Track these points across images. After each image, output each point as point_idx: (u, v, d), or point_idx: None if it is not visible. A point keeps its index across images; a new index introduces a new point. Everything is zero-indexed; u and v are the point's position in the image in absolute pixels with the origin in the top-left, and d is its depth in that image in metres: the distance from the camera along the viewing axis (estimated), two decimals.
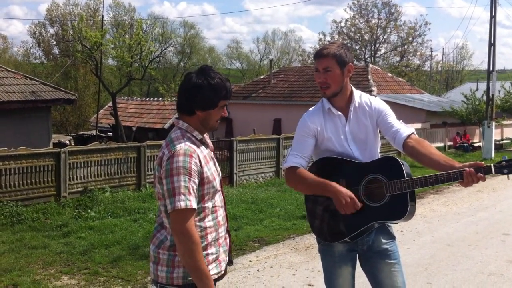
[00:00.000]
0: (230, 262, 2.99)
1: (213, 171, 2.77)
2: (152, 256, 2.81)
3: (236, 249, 7.44)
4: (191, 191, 2.62)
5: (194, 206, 2.63)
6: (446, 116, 23.83)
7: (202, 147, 2.78)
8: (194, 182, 2.64)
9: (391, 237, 3.33)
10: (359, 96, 3.36)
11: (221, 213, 2.85)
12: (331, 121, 3.31)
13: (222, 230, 2.84)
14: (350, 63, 3.29)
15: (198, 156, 2.69)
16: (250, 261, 6.96)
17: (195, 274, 2.64)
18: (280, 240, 8.04)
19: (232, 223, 8.89)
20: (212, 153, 2.89)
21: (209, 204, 2.76)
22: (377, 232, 3.27)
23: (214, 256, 2.77)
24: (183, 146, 2.66)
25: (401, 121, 3.36)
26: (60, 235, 8.32)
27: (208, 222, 2.76)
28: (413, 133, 3.25)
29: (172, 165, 2.62)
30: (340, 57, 3.23)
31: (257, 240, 8.03)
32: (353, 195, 3.09)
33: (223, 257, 2.85)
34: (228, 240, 2.92)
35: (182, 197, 2.59)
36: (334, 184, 3.13)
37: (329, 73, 3.22)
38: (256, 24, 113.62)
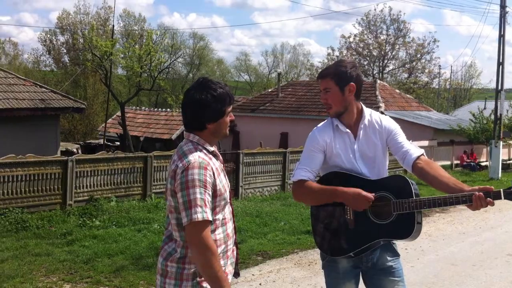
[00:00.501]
0: (236, 274, 3.00)
1: (224, 183, 2.80)
2: (159, 269, 2.81)
3: (240, 263, 7.40)
4: (207, 203, 2.64)
5: (210, 218, 2.65)
6: (453, 134, 23.75)
7: (214, 159, 2.80)
8: (209, 194, 2.66)
9: (396, 254, 3.33)
10: (369, 114, 3.37)
11: (230, 225, 2.86)
12: (340, 137, 3.33)
13: (230, 243, 2.86)
14: (352, 83, 3.29)
15: (212, 169, 2.71)
16: (253, 274, 6.95)
17: (217, 284, 2.64)
18: (283, 254, 8.02)
19: (236, 235, 8.86)
20: (222, 165, 2.92)
21: (219, 216, 2.78)
22: (382, 249, 3.28)
23: (222, 268, 2.78)
24: (197, 158, 2.68)
25: (411, 141, 3.37)
26: (64, 243, 8.34)
27: (219, 234, 2.78)
28: (422, 154, 3.26)
29: (187, 177, 2.63)
30: (338, 77, 3.25)
31: (261, 254, 8.01)
32: (361, 191, 3.11)
33: (230, 269, 2.86)
34: (235, 252, 2.94)
35: (199, 209, 2.60)
36: (340, 187, 3.16)
37: (329, 93, 3.28)
38: (265, 37, 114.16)
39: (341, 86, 3.26)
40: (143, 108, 30.41)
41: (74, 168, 10.41)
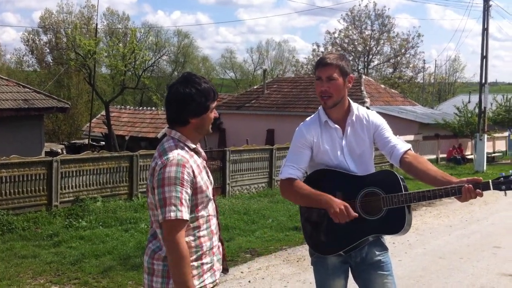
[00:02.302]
0: (225, 270, 2.99)
1: (205, 181, 2.77)
2: (146, 268, 2.80)
3: (228, 260, 7.32)
4: (183, 202, 2.61)
5: (185, 217, 2.62)
6: (438, 128, 23.94)
7: (195, 157, 2.78)
8: (187, 193, 2.64)
9: (384, 248, 3.33)
10: (356, 108, 3.36)
11: (214, 222, 2.85)
12: (327, 133, 3.31)
13: (215, 239, 2.84)
14: (351, 75, 3.31)
15: (191, 166, 2.68)
16: (242, 272, 6.94)
17: (182, 282, 2.61)
18: (272, 251, 8.02)
19: (224, 234, 8.85)
20: (205, 162, 2.89)
21: (203, 213, 2.76)
22: (370, 244, 3.27)
23: (209, 265, 2.77)
24: (176, 156, 2.66)
25: (397, 136, 3.37)
26: (51, 244, 8.26)
27: (203, 231, 2.76)
28: (409, 149, 3.26)
29: (164, 174, 2.62)
30: (343, 67, 3.24)
31: (249, 251, 8.01)
32: (347, 205, 3.09)
33: (217, 266, 2.85)
34: (221, 249, 2.92)
35: (173, 207, 2.59)
36: (328, 195, 3.13)
37: (332, 82, 3.21)
38: (250, 34, 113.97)
39: (344, 76, 3.25)
40: (128, 107, 30.23)
41: (59, 168, 10.31)
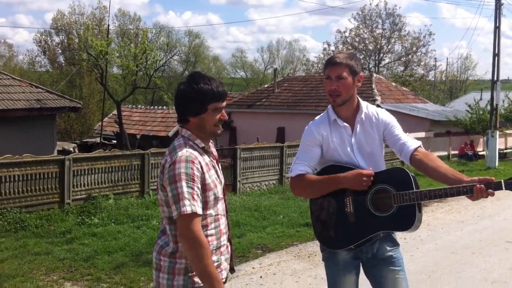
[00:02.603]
0: (232, 270, 3.00)
1: (214, 179, 2.79)
2: (154, 263, 2.84)
3: (239, 256, 7.45)
4: (195, 197, 2.64)
5: (199, 211, 2.64)
6: (450, 125, 23.80)
7: (205, 156, 2.80)
8: (198, 188, 2.66)
9: (395, 244, 3.33)
10: (365, 106, 3.37)
11: (223, 221, 2.86)
12: (336, 131, 3.32)
13: (224, 239, 2.85)
14: (360, 74, 3.32)
15: (200, 163, 2.71)
16: (253, 268, 6.96)
17: (206, 279, 2.63)
18: (283, 247, 8.03)
19: (235, 230, 8.89)
20: (215, 161, 2.90)
21: (211, 212, 2.77)
22: (382, 240, 3.28)
23: (216, 264, 2.77)
24: (184, 152, 2.69)
25: (407, 133, 3.37)
26: (63, 241, 8.33)
27: (210, 230, 2.77)
28: (419, 146, 3.26)
29: (174, 171, 2.65)
30: (352, 66, 3.25)
31: (260, 247, 8.02)
32: (360, 170, 3.14)
33: (225, 266, 2.86)
34: (229, 249, 2.93)
35: (187, 202, 2.61)
36: (339, 174, 3.18)
37: (342, 81, 3.23)
38: (260, 33, 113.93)
39: (354, 75, 3.26)
40: (139, 106, 30.37)
41: (71, 166, 10.40)
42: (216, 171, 2.86)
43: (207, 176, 2.73)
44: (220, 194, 2.83)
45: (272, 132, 24.51)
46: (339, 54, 3.38)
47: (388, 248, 3.29)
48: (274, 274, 6.70)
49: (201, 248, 2.60)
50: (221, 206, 2.84)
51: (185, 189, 2.62)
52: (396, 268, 3.28)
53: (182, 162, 2.66)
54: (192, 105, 2.76)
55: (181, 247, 2.73)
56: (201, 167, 2.70)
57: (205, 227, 2.73)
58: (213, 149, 2.94)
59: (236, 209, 10.56)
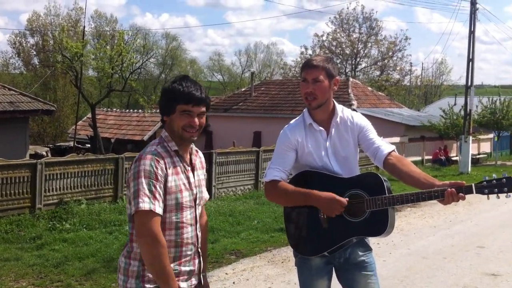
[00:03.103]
0: (199, 284, 2.87)
1: (180, 184, 2.72)
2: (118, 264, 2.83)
3: (213, 262, 7.40)
4: (157, 196, 2.60)
5: (158, 211, 2.59)
6: (424, 130, 24.10)
7: (176, 159, 2.75)
8: (161, 187, 2.63)
9: (368, 249, 3.34)
10: (341, 110, 3.37)
11: (189, 231, 2.76)
12: (312, 135, 3.31)
13: (187, 250, 2.76)
14: (337, 77, 3.32)
15: (166, 163, 2.67)
16: (226, 273, 6.92)
17: (162, 279, 2.59)
18: (257, 252, 8.01)
19: (209, 235, 8.83)
20: (191, 169, 2.82)
21: (171, 217, 2.69)
22: (354, 245, 3.27)
23: (174, 272, 2.68)
24: (152, 150, 2.68)
25: (381, 137, 3.38)
26: (34, 247, 8.19)
27: (169, 236, 2.68)
28: (393, 151, 3.27)
29: (139, 167, 2.63)
30: (329, 70, 3.25)
31: (234, 253, 7.99)
32: (335, 195, 3.10)
33: (185, 278, 2.75)
34: (196, 261, 2.82)
35: (146, 199, 2.57)
36: (315, 191, 3.14)
37: (318, 84, 3.22)
38: (238, 36, 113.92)
39: (330, 79, 3.26)
40: (114, 109, 30.08)
41: (43, 171, 10.23)
42: (188, 178, 2.78)
43: (170, 178, 2.67)
44: (187, 202, 2.74)
45: (248, 136, 24.52)
46: (316, 57, 3.39)
47: (361, 253, 3.29)
48: (247, 279, 6.67)
49: (158, 247, 2.56)
50: (189, 215, 2.76)
51: (146, 186, 2.58)
52: (369, 273, 3.28)
53: (147, 159, 2.63)
54: (162, 104, 2.77)
55: (135, 247, 2.68)
56: (166, 168, 2.66)
57: (163, 231, 2.65)
58: (196, 157, 2.88)
59: (211, 214, 10.50)
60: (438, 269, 7.09)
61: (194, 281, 2.82)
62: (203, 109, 2.76)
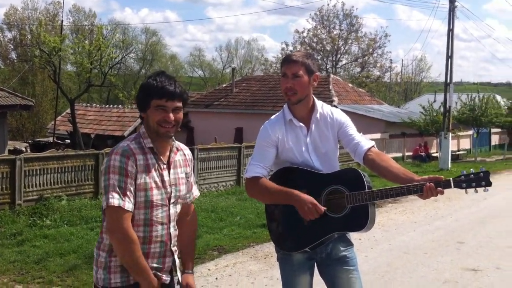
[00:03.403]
0: (171, 282, 2.85)
1: (151, 182, 2.69)
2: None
3: (195, 258, 7.28)
4: (127, 192, 2.61)
5: (128, 207, 2.60)
6: (404, 126, 24.30)
7: (150, 156, 2.72)
8: (131, 184, 2.63)
9: (349, 244, 3.35)
10: (321, 106, 3.37)
11: (158, 229, 2.74)
12: (292, 131, 3.31)
13: (156, 247, 2.74)
14: (317, 73, 3.32)
15: (137, 160, 2.66)
16: (209, 269, 6.91)
17: (136, 272, 2.63)
18: (239, 248, 8.01)
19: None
20: (165, 165, 2.77)
21: (140, 214, 2.68)
22: (336, 240, 3.29)
23: (142, 256, 2.68)
24: (124, 146, 2.68)
25: (361, 133, 3.39)
26: (14, 243, 8.09)
27: (137, 232, 2.67)
28: (373, 146, 3.28)
29: (110, 162, 2.64)
30: (309, 65, 3.25)
31: (217, 249, 7.98)
32: (315, 201, 3.10)
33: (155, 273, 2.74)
34: (167, 259, 2.80)
35: (116, 195, 2.58)
36: (296, 192, 3.14)
37: (298, 79, 3.22)
38: (218, 32, 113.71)
39: (310, 74, 3.26)
40: (94, 104, 29.80)
41: (23, 167, 10.09)
42: (162, 177, 2.74)
43: (139, 176, 2.66)
44: (158, 200, 2.71)
45: (230, 133, 24.49)
46: (296, 52, 3.40)
47: (342, 248, 3.30)
48: (230, 275, 6.67)
49: (128, 243, 2.59)
50: (160, 213, 2.73)
51: (116, 182, 2.60)
52: (350, 268, 3.29)
53: (118, 155, 2.64)
54: (139, 100, 2.78)
55: (105, 239, 2.71)
56: (137, 165, 2.65)
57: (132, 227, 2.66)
58: (175, 155, 2.83)
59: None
60: (419, 264, 7.16)
61: (164, 277, 2.80)
62: (179, 104, 2.73)
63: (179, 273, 2.90)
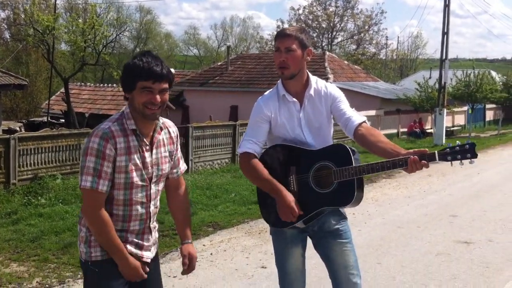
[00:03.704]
0: (156, 258, 2.95)
1: (131, 164, 2.69)
2: None
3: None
4: (102, 174, 2.63)
5: (102, 189, 2.64)
6: (400, 103, 24.28)
7: (132, 138, 2.71)
8: (108, 166, 2.64)
9: (343, 217, 3.37)
10: (315, 81, 3.37)
11: (138, 208, 2.78)
12: (285, 106, 3.32)
13: (135, 225, 2.80)
14: (310, 48, 3.32)
15: (116, 144, 2.65)
16: (204, 245, 6.96)
17: (109, 249, 2.71)
18: (234, 224, 8.06)
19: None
20: (147, 147, 2.77)
21: (119, 194, 2.72)
22: (328, 214, 3.31)
23: (116, 236, 2.75)
24: (104, 128, 2.67)
25: (353, 108, 3.38)
26: (9, 222, 8.11)
27: (117, 211, 2.74)
28: (364, 122, 3.27)
29: (88, 143, 2.65)
30: (302, 40, 3.25)
31: (212, 225, 8.03)
32: (293, 205, 3.14)
33: (131, 250, 2.78)
34: (146, 237, 2.85)
35: (90, 177, 2.62)
36: (281, 188, 3.17)
37: (291, 53, 3.21)
38: (214, 10, 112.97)
39: (303, 48, 3.25)
40: (88, 84, 29.65)
41: (17, 146, 10.07)
42: (144, 158, 2.74)
43: (119, 158, 2.66)
44: (137, 181, 2.73)
45: (225, 110, 24.44)
46: (289, 27, 3.40)
47: (334, 222, 3.32)
48: (225, 250, 6.72)
49: (100, 224, 2.65)
50: (139, 193, 2.76)
51: (92, 164, 2.62)
52: (343, 240, 3.32)
53: (97, 137, 2.64)
54: (123, 80, 2.74)
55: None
56: (116, 148, 2.65)
57: (109, 205, 2.71)
58: (159, 135, 2.82)
59: (188, 187, 10.47)
60: (412, 238, 7.23)
61: (145, 254, 2.85)
62: (165, 85, 2.71)
63: (154, 248, 2.94)
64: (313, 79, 3.37)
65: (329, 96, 3.34)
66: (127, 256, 2.72)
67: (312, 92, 3.32)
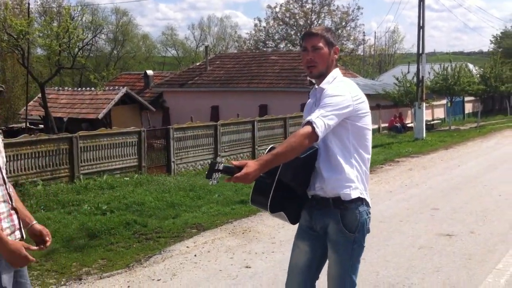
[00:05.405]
0: (22, 239, 3.02)
1: None
2: None
3: (174, 236, 7.40)
4: None
5: None
6: (379, 98, 24.47)
7: None
8: None
9: (344, 232, 3.23)
10: (328, 82, 3.25)
11: None
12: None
13: (2, 207, 2.89)
14: (337, 46, 3.33)
15: None
16: (188, 247, 6.93)
17: None
18: (218, 225, 8.03)
19: (170, 211, 8.83)
20: None
21: None
22: (333, 222, 3.23)
23: None
24: None
25: (319, 109, 3.13)
26: None
27: None
28: (308, 122, 3.04)
29: None
30: (328, 38, 3.27)
31: (195, 227, 7.99)
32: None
33: (7, 233, 2.86)
34: (14, 217, 2.96)
35: None
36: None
37: (318, 51, 3.22)
38: (191, 10, 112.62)
39: (330, 46, 3.27)
40: (66, 88, 29.34)
41: None
42: None
43: None
44: None
45: (206, 111, 24.39)
46: (315, 27, 3.43)
47: (335, 232, 3.24)
48: (209, 251, 6.70)
49: None
50: None
51: None
52: (334, 254, 3.27)
53: None
54: None
55: None
56: None
57: None
58: None
59: (171, 190, 10.46)
60: (395, 232, 7.28)
61: (18, 235, 2.95)
62: None
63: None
64: (329, 78, 3.27)
65: (318, 99, 3.25)
66: (6, 240, 2.78)
67: (316, 91, 3.31)
